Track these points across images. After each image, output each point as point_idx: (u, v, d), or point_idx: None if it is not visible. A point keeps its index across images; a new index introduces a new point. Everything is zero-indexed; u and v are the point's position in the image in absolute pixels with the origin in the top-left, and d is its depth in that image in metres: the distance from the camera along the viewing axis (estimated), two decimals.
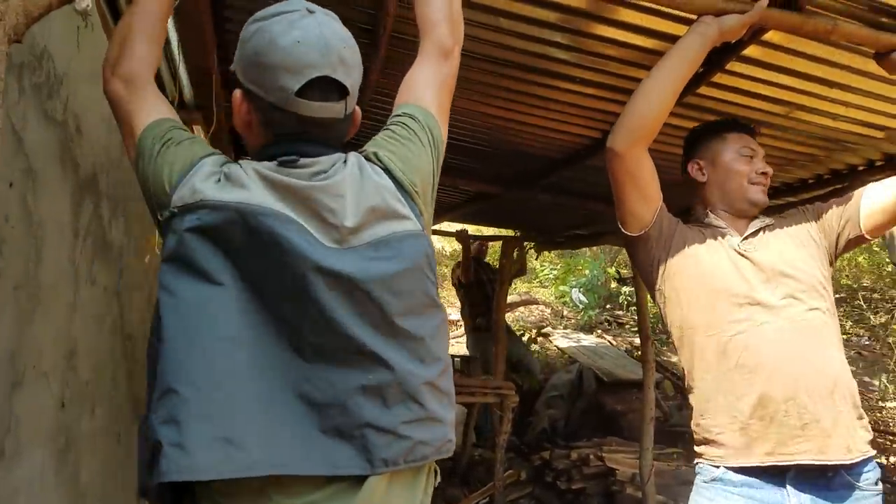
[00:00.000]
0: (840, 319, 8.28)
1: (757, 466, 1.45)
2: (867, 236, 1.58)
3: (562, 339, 7.86)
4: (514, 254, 5.55)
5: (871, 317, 8.06)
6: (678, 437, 4.79)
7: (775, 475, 1.45)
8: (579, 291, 8.74)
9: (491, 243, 6.20)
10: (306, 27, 0.98)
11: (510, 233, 5.89)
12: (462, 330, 7.66)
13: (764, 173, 1.62)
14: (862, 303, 8.14)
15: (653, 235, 1.57)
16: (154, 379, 0.91)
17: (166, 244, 0.96)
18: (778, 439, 1.43)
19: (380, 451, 0.94)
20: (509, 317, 8.31)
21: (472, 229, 5.87)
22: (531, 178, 3.06)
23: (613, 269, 10.38)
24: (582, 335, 8.18)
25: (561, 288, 9.81)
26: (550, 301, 9.92)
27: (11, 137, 1.06)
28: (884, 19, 1.47)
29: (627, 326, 8.64)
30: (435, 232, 5.72)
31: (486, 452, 5.23)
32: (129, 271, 1.79)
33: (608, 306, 9.86)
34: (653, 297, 1.65)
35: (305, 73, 0.97)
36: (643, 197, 1.55)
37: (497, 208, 4.12)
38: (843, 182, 2.48)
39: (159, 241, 1.04)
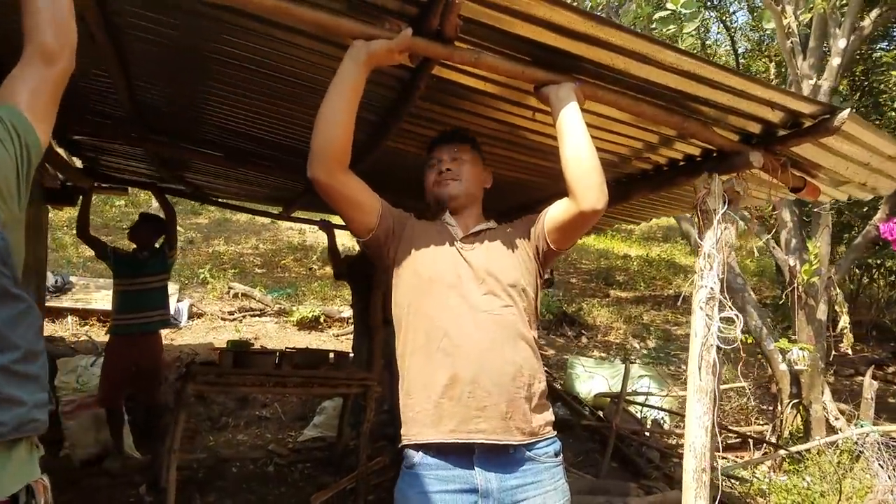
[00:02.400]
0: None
1: (446, 444, 1.57)
2: (554, 248, 1.73)
3: None
4: None
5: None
6: None
7: (463, 455, 1.58)
8: None
9: None
10: None
11: None
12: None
13: (447, 170, 1.80)
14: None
15: (381, 235, 1.72)
16: None
17: None
18: (461, 418, 1.56)
19: None
20: None
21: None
22: None
23: None
24: None
25: None
26: None
27: None
28: (540, 53, 1.67)
29: None
30: (299, 220, 5.77)
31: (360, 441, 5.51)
32: None
33: None
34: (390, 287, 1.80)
35: None
36: (359, 208, 1.69)
37: None
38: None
39: None
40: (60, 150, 3.94)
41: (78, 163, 4.31)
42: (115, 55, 2.19)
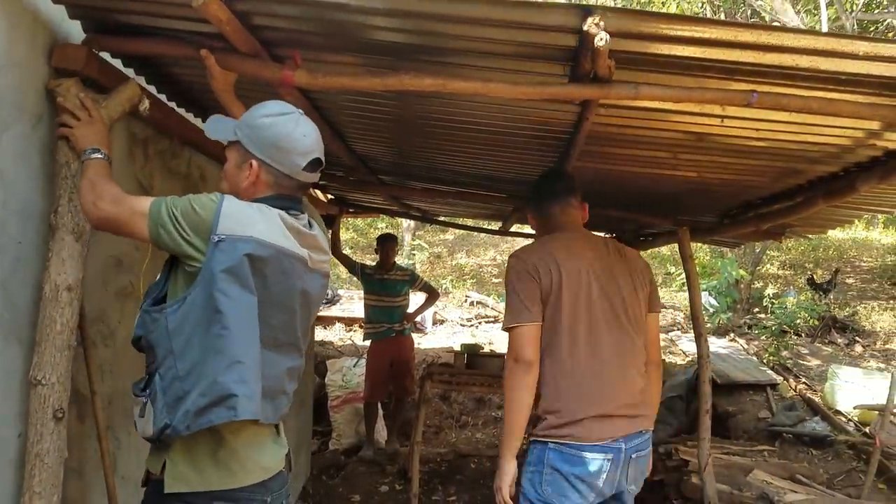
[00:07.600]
0: None
1: None
2: None
3: (688, 343, 7.79)
4: None
5: None
6: (776, 436, 4.76)
7: None
8: (709, 295, 8.48)
9: None
10: (306, 125, 1.46)
11: None
12: None
13: None
14: None
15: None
16: (209, 352, 1.30)
17: (218, 259, 1.28)
18: None
19: (282, 410, 1.45)
20: None
21: None
22: None
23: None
24: (714, 339, 8.00)
25: None
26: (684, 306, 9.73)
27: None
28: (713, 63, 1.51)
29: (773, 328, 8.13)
30: (514, 234, 6.00)
31: None
32: None
33: (756, 309, 9.44)
34: None
35: (309, 155, 1.44)
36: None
37: None
38: None
39: None
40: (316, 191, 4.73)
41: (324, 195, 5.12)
42: (327, 126, 2.60)
